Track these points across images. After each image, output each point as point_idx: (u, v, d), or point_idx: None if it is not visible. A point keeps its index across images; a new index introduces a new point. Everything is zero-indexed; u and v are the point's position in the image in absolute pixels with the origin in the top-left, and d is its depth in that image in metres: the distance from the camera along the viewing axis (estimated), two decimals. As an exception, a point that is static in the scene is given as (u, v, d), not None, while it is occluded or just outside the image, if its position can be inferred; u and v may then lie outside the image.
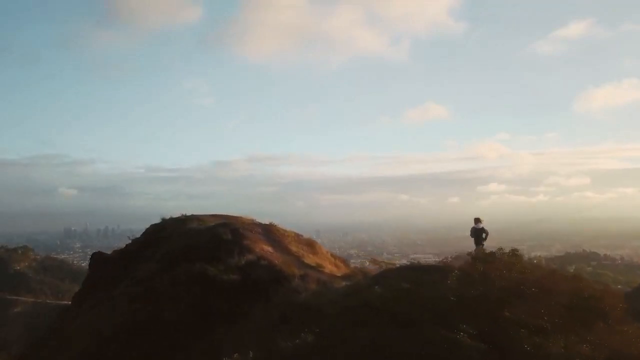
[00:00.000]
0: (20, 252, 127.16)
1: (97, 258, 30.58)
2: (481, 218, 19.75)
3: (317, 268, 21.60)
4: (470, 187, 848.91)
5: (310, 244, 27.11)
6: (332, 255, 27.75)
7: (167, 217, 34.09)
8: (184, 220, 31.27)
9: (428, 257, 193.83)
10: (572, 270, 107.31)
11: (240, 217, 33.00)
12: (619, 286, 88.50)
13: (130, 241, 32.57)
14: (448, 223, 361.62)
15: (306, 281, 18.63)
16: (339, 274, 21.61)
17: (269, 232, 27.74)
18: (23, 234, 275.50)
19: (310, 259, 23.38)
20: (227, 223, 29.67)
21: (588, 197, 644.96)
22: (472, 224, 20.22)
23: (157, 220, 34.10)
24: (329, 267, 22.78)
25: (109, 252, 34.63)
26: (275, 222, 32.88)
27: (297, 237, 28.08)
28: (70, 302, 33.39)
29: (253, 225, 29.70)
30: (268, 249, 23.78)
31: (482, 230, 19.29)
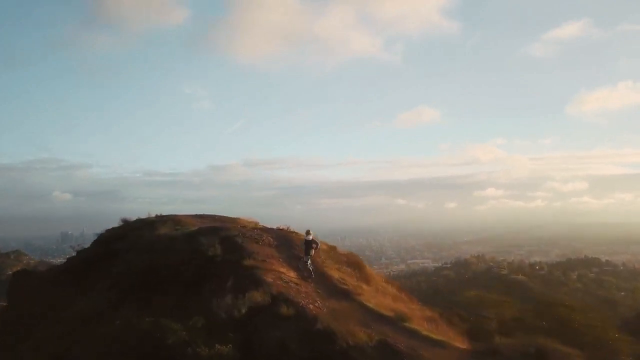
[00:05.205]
0: (12, 256, 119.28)
1: (20, 280, 20.02)
2: (311, 230, 18.51)
3: (401, 323, 10.84)
4: (467, 191, 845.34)
5: (357, 264, 16.41)
6: (386, 281, 17.26)
7: (133, 218, 24.08)
8: (153, 223, 21.04)
9: (426, 262, 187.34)
10: (574, 277, 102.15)
11: (239, 219, 23.13)
12: (622, 293, 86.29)
13: (74, 253, 22.45)
14: (445, 228, 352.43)
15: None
16: (454, 343, 10.86)
17: (287, 242, 17.42)
18: (19, 239, 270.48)
19: (371, 297, 12.80)
20: (216, 228, 19.62)
21: (586, 203, 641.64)
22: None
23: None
24: (412, 315, 12.26)
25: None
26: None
27: (332, 252, 17.68)
28: None
29: (258, 231, 19.66)
30: (290, 275, 13.52)
31: (313, 241, 18.05)
